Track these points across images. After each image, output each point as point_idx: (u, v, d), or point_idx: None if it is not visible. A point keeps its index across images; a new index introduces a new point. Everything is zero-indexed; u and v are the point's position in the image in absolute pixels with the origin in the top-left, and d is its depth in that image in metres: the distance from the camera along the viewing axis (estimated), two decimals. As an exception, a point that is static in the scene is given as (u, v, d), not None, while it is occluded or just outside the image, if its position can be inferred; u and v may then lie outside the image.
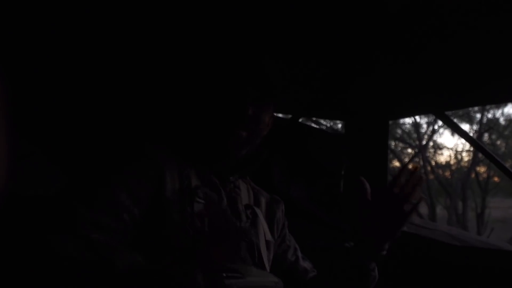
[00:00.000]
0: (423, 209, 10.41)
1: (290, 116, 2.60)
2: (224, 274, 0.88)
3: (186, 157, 1.04)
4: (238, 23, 1.38)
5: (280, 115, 3.40)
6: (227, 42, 1.50)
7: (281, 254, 1.20)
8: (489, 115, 10.07)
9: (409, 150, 11.34)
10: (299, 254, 1.25)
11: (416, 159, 10.71)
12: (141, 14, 1.31)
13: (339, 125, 8.51)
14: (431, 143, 10.99)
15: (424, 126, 10.50)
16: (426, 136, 10.60)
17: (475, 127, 10.14)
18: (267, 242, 1.10)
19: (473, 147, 8.96)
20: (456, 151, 11.47)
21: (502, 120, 10.53)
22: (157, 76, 1.71)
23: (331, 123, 8.57)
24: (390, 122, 2.67)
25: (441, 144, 14.62)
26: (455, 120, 8.85)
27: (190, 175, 1.00)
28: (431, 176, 10.52)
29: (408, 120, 10.45)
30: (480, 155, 9.55)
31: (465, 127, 10.26)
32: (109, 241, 0.83)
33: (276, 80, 1.08)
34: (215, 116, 1.03)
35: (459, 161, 11.51)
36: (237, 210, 1.06)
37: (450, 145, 20.76)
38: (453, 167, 11.50)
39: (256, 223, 1.09)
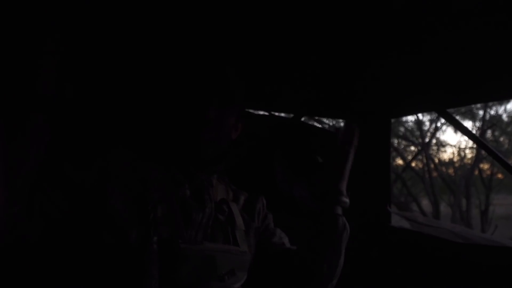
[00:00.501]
0: (427, 206, 10.40)
1: (292, 115, 2.60)
2: (180, 240, 1.00)
3: (151, 157, 1.12)
4: (205, 30, 1.40)
5: (282, 114, 3.41)
6: (191, 50, 1.55)
7: (265, 240, 1.27)
8: (492, 112, 10.05)
9: (412, 148, 11.33)
10: (286, 241, 1.32)
11: (419, 157, 10.71)
12: (110, 20, 1.33)
13: (342, 124, 8.51)
14: (434, 141, 10.97)
15: (427, 123, 10.49)
16: (429, 134, 10.58)
17: (478, 124, 10.12)
18: (244, 231, 1.19)
19: (476, 145, 8.94)
20: (459, 148, 11.47)
21: (505, 117, 10.53)
22: (121, 81, 1.74)
23: (334, 122, 8.57)
24: (393, 120, 2.67)
25: (444, 141, 14.63)
26: (457, 117, 8.84)
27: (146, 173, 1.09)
28: (435, 174, 10.50)
29: (411, 118, 10.45)
30: (483, 152, 9.53)
31: (468, 124, 10.25)
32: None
33: (238, 87, 1.17)
34: (178, 119, 1.11)
35: (462, 158, 11.49)
36: (202, 200, 1.12)
37: (453, 142, 20.75)
38: (457, 165, 11.47)
39: (231, 214, 1.17)
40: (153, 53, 1.59)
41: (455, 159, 11.53)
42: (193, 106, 1.10)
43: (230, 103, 1.15)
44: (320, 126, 6.08)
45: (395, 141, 10.56)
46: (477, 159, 10.02)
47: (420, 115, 9.99)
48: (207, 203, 1.13)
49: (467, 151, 11.15)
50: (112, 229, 0.99)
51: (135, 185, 1.05)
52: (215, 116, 1.10)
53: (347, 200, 1.27)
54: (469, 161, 10.99)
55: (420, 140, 10.43)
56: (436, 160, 11.08)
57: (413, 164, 10.93)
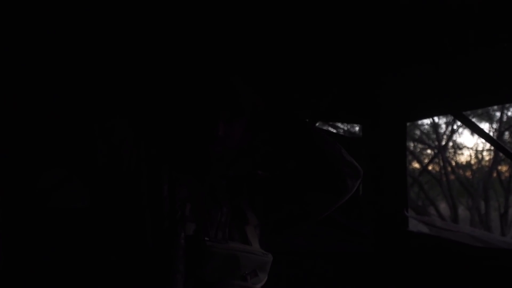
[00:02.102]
0: (445, 210, 10.28)
1: (307, 120, 2.61)
2: (207, 238, 1.02)
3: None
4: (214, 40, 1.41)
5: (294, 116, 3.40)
6: (199, 64, 1.55)
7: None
8: (509, 113, 9.92)
9: (428, 151, 11.22)
10: None
11: (436, 160, 10.60)
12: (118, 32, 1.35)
13: (357, 128, 8.48)
14: (450, 143, 10.86)
15: (443, 126, 10.39)
16: (445, 136, 10.48)
17: (495, 125, 9.99)
18: (255, 227, 1.20)
19: (493, 147, 8.83)
20: (477, 150, 11.32)
21: (523, 118, 10.37)
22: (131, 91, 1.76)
23: (349, 127, 8.54)
24: (408, 123, 2.66)
25: (461, 144, 14.45)
26: (474, 119, 8.73)
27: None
28: (452, 177, 10.38)
29: (427, 121, 10.36)
30: (501, 154, 9.40)
31: (485, 126, 10.12)
32: None
33: (246, 98, 1.17)
34: (189, 136, 1.13)
35: (479, 160, 11.35)
36: (217, 200, 1.15)
37: (470, 144, 20.47)
38: (474, 167, 11.33)
39: (242, 210, 1.19)
40: (160, 66, 1.61)
41: (473, 162, 11.39)
42: (202, 121, 1.12)
43: (239, 115, 1.16)
44: (335, 131, 6.06)
45: (411, 144, 10.48)
46: (495, 161, 9.89)
47: (435, 118, 9.91)
48: (223, 202, 1.16)
49: (485, 153, 11.02)
50: (145, 221, 1.03)
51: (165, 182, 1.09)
52: (224, 131, 1.12)
53: None
54: (487, 164, 10.85)
55: (436, 143, 10.33)
56: (453, 163, 10.96)
57: (430, 168, 10.83)
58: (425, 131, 10.71)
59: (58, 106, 1.06)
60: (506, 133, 10.03)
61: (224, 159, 1.18)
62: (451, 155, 11.04)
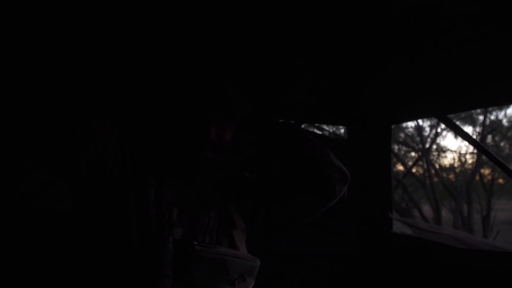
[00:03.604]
0: (428, 212, 10.37)
1: (292, 122, 2.61)
2: (195, 243, 1.01)
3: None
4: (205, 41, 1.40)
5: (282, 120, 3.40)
6: (188, 65, 1.55)
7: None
8: (492, 117, 10.04)
9: (413, 154, 11.31)
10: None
11: (420, 163, 10.69)
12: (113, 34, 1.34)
13: (342, 130, 8.51)
14: (434, 146, 10.96)
15: (427, 129, 10.48)
16: (429, 139, 10.57)
17: (478, 129, 10.11)
18: (242, 231, 1.19)
19: (477, 150, 8.93)
20: (460, 153, 11.45)
21: (505, 122, 10.52)
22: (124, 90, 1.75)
23: (334, 129, 8.57)
24: (393, 126, 2.67)
25: (445, 147, 14.61)
26: (457, 123, 8.82)
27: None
28: (436, 179, 10.48)
29: (411, 124, 10.44)
30: (484, 157, 9.52)
31: (468, 129, 10.25)
32: None
33: (237, 101, 1.17)
34: (179, 139, 1.12)
35: (463, 163, 11.47)
36: (205, 204, 1.15)
37: (453, 147, 20.71)
38: (457, 170, 11.44)
39: (230, 215, 1.19)
40: (149, 67, 1.59)
41: (456, 165, 11.52)
42: (193, 124, 1.11)
43: (231, 117, 1.16)
44: (320, 133, 6.07)
45: (396, 147, 10.55)
46: (478, 164, 10.00)
47: (420, 121, 10.00)
48: (211, 207, 1.14)
49: (468, 156, 11.15)
50: (130, 226, 1.02)
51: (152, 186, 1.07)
52: (216, 135, 1.12)
53: None
54: (470, 167, 10.98)
55: (420, 146, 10.42)
56: (437, 166, 11.06)
57: (414, 170, 10.91)
58: (409, 133, 10.79)
59: (42, 105, 1.03)
60: (489, 136, 10.15)
61: (214, 163, 1.16)
62: (435, 158, 11.15)
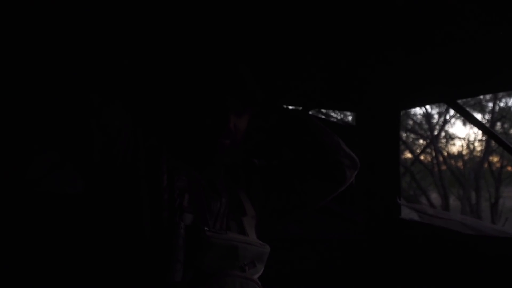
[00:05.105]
0: (436, 200, 10.35)
1: (300, 108, 2.60)
2: (206, 228, 1.02)
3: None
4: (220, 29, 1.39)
5: (290, 107, 3.40)
6: (206, 54, 1.53)
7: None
8: (501, 104, 9.96)
9: (421, 141, 11.26)
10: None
11: (428, 150, 10.65)
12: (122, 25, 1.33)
13: (350, 117, 8.49)
14: (442, 134, 10.90)
15: (435, 116, 10.42)
16: (437, 127, 10.51)
17: (487, 116, 10.03)
18: (252, 217, 1.21)
19: (486, 136, 8.87)
20: (468, 141, 11.38)
21: (514, 109, 10.41)
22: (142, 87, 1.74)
23: (342, 115, 8.55)
24: (402, 112, 2.65)
25: (453, 134, 14.52)
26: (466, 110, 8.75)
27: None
28: (444, 167, 10.44)
29: (419, 111, 10.39)
30: (493, 144, 9.46)
31: (477, 116, 10.15)
32: None
33: (255, 87, 1.17)
34: (198, 128, 1.12)
35: (471, 151, 11.41)
36: (216, 190, 1.16)
37: (462, 135, 20.61)
38: (466, 157, 11.39)
39: (241, 201, 1.21)
40: (166, 55, 1.58)
41: (464, 152, 11.46)
42: (212, 113, 1.11)
43: (248, 108, 1.16)
44: (328, 119, 6.06)
45: (404, 134, 10.51)
46: (487, 151, 9.95)
47: (428, 108, 9.94)
48: (222, 193, 1.15)
49: (476, 143, 11.09)
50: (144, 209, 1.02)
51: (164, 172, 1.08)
52: (234, 123, 1.12)
53: None
54: (479, 154, 10.92)
55: (428, 133, 10.37)
56: (445, 153, 11.01)
57: (422, 157, 10.88)
58: (417, 121, 10.75)
59: (56, 92, 1.03)
60: (498, 123, 10.08)
61: (229, 150, 1.16)
62: (443, 145, 11.10)
